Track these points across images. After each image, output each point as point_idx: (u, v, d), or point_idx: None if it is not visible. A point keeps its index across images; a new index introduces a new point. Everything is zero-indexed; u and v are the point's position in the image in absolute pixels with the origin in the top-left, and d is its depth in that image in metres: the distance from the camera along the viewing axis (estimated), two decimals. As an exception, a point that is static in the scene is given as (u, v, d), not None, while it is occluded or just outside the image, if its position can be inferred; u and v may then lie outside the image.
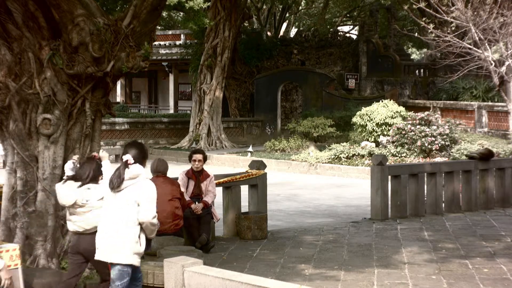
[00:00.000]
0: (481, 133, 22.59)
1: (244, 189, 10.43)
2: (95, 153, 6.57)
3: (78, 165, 6.51)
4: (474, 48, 18.06)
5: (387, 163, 12.14)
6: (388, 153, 18.81)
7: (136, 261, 5.73)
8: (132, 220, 5.70)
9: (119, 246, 5.68)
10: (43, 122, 6.92)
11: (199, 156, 9.35)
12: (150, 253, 8.03)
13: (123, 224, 5.70)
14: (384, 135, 21.02)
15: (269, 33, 36.52)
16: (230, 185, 10.14)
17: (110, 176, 5.78)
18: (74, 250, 6.18)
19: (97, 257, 5.81)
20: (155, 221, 5.76)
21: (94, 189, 6.11)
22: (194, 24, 22.68)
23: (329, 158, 20.08)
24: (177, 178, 9.25)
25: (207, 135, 26.21)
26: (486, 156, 12.77)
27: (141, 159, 5.86)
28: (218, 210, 9.84)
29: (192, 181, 9.30)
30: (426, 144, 18.91)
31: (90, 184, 6.13)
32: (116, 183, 5.71)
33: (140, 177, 5.79)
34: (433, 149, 18.92)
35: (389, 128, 20.82)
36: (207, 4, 22.69)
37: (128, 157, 5.77)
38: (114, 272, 5.73)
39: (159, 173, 8.68)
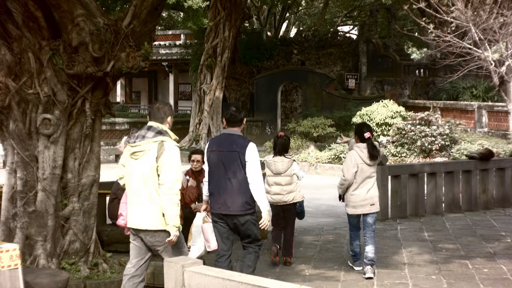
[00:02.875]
0: (481, 133, 22.59)
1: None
2: (281, 133, 8.74)
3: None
4: (474, 48, 18.06)
5: (387, 163, 12.14)
6: (388, 153, 18.82)
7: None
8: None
9: (376, 200, 7.96)
10: (43, 122, 6.91)
11: (198, 157, 9.34)
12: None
13: (375, 184, 8.00)
14: (384, 135, 21.02)
15: (269, 33, 36.53)
16: (230, 185, 10.13)
17: (372, 152, 7.87)
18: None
19: (359, 212, 7.94)
20: None
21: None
22: (193, 24, 22.66)
23: (329, 158, 20.08)
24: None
25: (207, 135, 26.21)
26: (486, 156, 12.77)
27: None
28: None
29: (192, 181, 9.30)
30: (426, 144, 18.91)
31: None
32: (377, 154, 7.91)
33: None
34: (433, 149, 18.92)
35: (389, 128, 20.83)
36: (206, 3, 22.67)
37: (369, 134, 7.94)
38: (372, 219, 7.98)
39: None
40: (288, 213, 8.55)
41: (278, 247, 8.42)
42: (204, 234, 6.82)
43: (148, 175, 5.55)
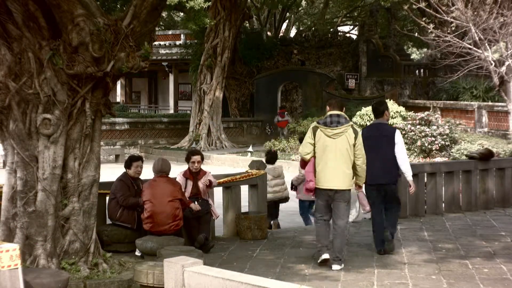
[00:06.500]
0: (481, 133, 22.59)
1: (244, 189, 10.43)
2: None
3: None
4: (474, 48, 18.06)
5: (387, 163, 12.12)
6: (388, 153, 18.78)
7: None
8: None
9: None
10: (43, 122, 6.91)
11: (198, 158, 9.31)
12: (150, 253, 8.05)
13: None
14: (384, 135, 20.98)
15: (269, 33, 36.51)
16: (230, 185, 10.13)
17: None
18: None
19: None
20: None
21: None
22: (195, 24, 22.67)
23: (329, 158, 20.06)
24: (175, 179, 9.22)
25: (207, 135, 26.21)
26: (486, 156, 12.75)
27: None
28: (218, 210, 9.84)
29: (190, 181, 9.28)
30: (426, 144, 18.91)
31: None
32: None
33: None
34: (433, 149, 18.92)
35: (389, 128, 20.78)
36: (208, 4, 22.69)
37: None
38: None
39: (162, 173, 8.68)
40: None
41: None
42: (360, 200, 8.48)
43: (347, 149, 7.64)
